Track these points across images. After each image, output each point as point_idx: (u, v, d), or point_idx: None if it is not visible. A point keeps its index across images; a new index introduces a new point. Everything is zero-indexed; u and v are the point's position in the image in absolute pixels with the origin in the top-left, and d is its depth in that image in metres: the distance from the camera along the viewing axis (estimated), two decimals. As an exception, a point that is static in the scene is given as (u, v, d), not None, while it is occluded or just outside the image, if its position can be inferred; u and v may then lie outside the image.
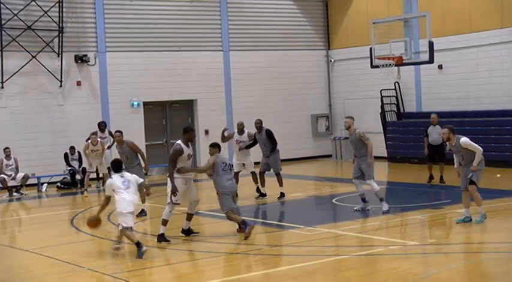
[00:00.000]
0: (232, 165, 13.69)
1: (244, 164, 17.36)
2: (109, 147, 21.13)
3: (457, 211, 13.54)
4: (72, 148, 21.32)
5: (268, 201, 16.80)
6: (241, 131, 17.19)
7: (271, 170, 17.14)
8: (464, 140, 12.94)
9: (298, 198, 17.12)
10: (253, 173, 17.35)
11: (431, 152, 18.41)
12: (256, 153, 17.86)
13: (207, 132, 24.87)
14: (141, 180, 12.31)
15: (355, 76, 26.51)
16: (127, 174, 12.11)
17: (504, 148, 21.21)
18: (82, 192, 19.80)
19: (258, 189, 17.29)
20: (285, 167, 24.01)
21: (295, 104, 26.66)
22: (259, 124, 16.97)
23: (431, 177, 18.52)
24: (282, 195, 16.86)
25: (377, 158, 25.21)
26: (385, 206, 14.30)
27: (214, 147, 12.71)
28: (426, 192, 17.50)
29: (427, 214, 13.85)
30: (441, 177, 18.32)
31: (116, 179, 11.90)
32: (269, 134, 16.94)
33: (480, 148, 12.90)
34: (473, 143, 12.93)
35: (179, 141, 12.34)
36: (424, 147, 18.59)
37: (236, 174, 17.41)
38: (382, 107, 24.73)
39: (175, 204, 12.37)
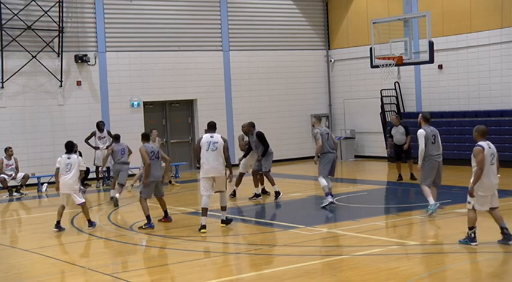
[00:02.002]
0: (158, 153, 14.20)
1: (251, 165, 17.21)
2: (107, 147, 21.14)
3: (457, 211, 13.55)
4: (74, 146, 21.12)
5: (268, 201, 16.79)
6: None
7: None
8: (419, 131, 13.79)
9: (298, 198, 17.11)
10: (261, 174, 17.17)
11: (397, 152, 19.36)
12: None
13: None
14: (83, 167, 14.09)
15: (355, 76, 26.52)
16: (73, 157, 13.87)
17: (504, 148, 21.17)
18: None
19: (263, 190, 17.25)
20: (285, 166, 24.11)
21: (295, 104, 26.67)
22: (245, 127, 16.81)
23: (400, 176, 19.29)
24: (278, 194, 16.68)
25: (377, 158, 25.37)
26: (325, 202, 15.22)
27: (143, 138, 14.34)
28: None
29: (427, 214, 13.83)
30: (411, 174, 19.05)
31: (63, 160, 13.98)
32: (260, 136, 16.72)
33: (422, 147, 13.56)
34: (420, 139, 13.63)
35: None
36: (388, 148, 19.75)
37: (241, 175, 17.28)
38: (382, 107, 24.74)
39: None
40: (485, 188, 10.92)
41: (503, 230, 10.89)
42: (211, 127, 13.58)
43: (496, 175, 11.05)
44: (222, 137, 13.40)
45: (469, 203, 10.95)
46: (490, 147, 11.00)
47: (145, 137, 14.41)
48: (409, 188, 18.25)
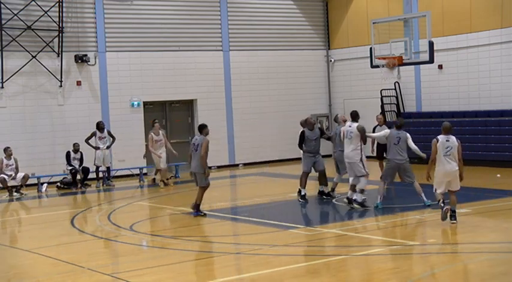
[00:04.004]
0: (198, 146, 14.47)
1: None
2: (108, 147, 21.14)
3: (458, 211, 13.52)
4: (76, 145, 21.11)
5: (269, 201, 16.76)
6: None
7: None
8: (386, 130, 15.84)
9: (298, 197, 17.06)
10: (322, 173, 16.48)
11: (379, 151, 19.49)
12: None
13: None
14: None
15: (355, 76, 26.52)
16: None
17: (504, 148, 21.22)
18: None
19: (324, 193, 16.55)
20: (285, 166, 24.11)
21: (295, 104, 26.65)
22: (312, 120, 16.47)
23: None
24: (329, 194, 16.35)
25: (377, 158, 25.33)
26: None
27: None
28: (426, 192, 17.45)
29: (427, 214, 13.85)
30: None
31: None
32: (323, 131, 16.60)
33: (376, 135, 16.24)
34: (381, 132, 15.80)
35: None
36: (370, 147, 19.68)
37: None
38: (382, 107, 24.72)
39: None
40: (439, 174, 12.61)
41: (452, 212, 12.59)
42: (353, 116, 14.78)
43: (453, 164, 12.56)
44: (358, 127, 14.57)
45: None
46: (448, 141, 12.61)
47: (199, 129, 14.85)
48: (409, 188, 18.24)
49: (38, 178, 20.87)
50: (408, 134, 15.02)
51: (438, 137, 12.67)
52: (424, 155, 15.22)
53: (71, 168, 20.87)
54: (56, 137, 22.15)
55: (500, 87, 22.16)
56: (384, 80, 22.11)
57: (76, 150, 21.09)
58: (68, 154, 21.11)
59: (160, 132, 20.72)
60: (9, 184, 19.99)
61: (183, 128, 25.06)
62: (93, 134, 21.09)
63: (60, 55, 22.10)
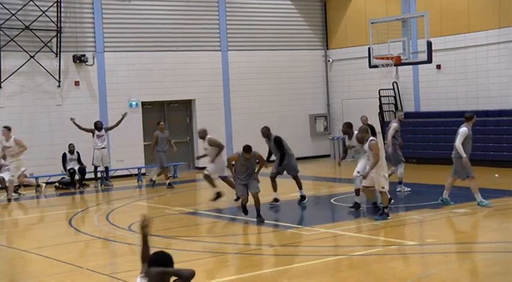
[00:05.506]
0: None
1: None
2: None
3: (456, 211, 13.54)
4: (71, 146, 21.11)
5: (268, 201, 16.73)
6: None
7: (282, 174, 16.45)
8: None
9: (297, 198, 17.07)
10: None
11: None
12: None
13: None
14: None
15: (354, 76, 26.52)
16: None
17: (502, 148, 21.23)
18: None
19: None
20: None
21: (293, 104, 26.65)
22: (264, 131, 16.14)
23: None
24: (303, 198, 16.29)
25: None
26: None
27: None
28: (425, 192, 17.47)
29: (426, 214, 13.84)
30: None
31: None
32: (277, 141, 16.02)
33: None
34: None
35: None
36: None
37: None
38: (380, 107, 24.72)
39: None
40: (386, 169, 13.41)
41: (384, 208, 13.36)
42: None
43: None
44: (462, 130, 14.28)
45: (383, 187, 13.23)
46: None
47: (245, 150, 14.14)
48: (408, 188, 18.26)
49: (36, 178, 20.82)
50: (462, 130, 14.31)
51: (374, 138, 13.41)
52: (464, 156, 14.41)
53: (70, 168, 20.83)
54: (54, 137, 22.11)
55: (498, 87, 22.17)
56: (383, 79, 22.01)
57: (71, 151, 21.08)
58: (63, 156, 21.04)
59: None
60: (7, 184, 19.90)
61: (182, 128, 25.03)
62: (92, 131, 21.01)
63: (58, 55, 22.07)
